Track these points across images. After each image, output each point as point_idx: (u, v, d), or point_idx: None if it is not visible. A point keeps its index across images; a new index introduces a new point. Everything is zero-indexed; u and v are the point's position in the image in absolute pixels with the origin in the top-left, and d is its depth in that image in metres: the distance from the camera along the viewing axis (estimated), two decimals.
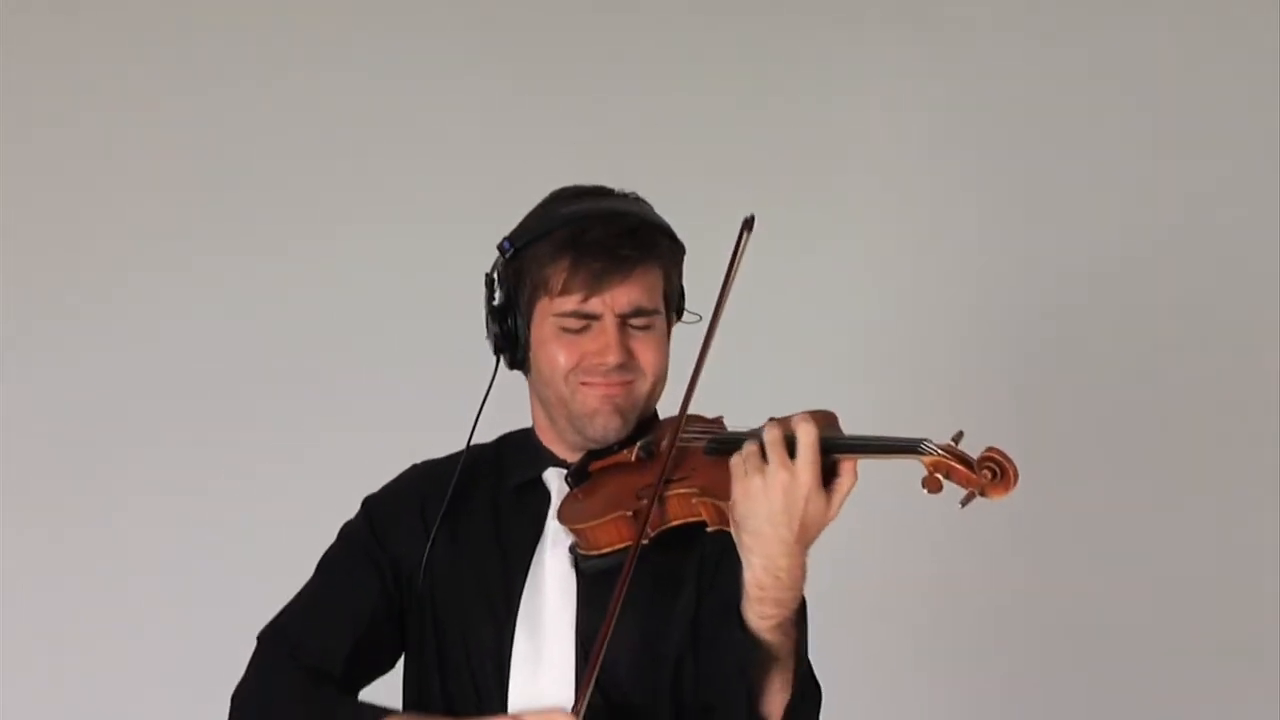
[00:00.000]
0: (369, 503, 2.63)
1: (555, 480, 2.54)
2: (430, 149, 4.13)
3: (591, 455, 2.52)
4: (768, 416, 2.32)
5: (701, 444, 2.41)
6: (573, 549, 2.46)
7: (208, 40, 4.11)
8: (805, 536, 2.24)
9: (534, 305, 2.49)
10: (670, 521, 2.38)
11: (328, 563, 2.60)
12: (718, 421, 2.50)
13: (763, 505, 2.23)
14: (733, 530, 2.28)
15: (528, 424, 2.62)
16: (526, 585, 2.49)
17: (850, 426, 2.36)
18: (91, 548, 4.05)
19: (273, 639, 2.54)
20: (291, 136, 4.12)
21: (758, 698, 2.30)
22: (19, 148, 4.08)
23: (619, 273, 2.43)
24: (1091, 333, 4.15)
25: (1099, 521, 4.11)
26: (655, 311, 2.48)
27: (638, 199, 2.54)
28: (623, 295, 2.44)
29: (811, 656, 2.38)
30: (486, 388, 2.56)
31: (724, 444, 2.35)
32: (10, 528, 4.05)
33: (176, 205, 4.10)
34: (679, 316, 2.58)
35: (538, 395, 2.56)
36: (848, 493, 2.25)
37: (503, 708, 2.43)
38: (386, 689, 2.56)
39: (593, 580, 2.44)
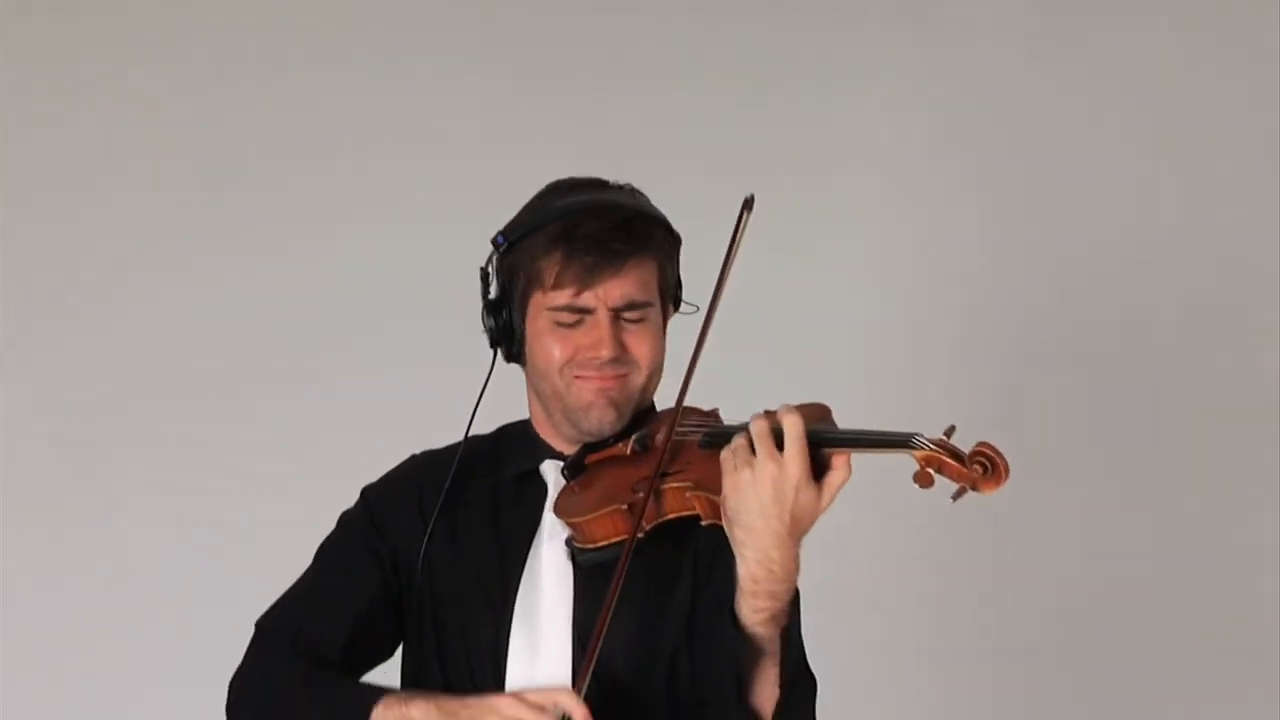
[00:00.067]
0: (368, 492, 2.64)
1: (552, 472, 2.55)
2: (430, 149, 4.13)
3: (588, 448, 2.52)
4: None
5: (697, 437, 2.41)
6: (569, 542, 2.46)
7: (208, 40, 4.11)
8: (797, 529, 2.24)
9: (528, 299, 2.50)
10: (665, 515, 2.38)
11: (326, 551, 2.61)
12: (713, 414, 2.50)
13: (753, 498, 2.24)
14: (725, 524, 2.28)
15: (526, 416, 2.62)
16: (523, 578, 2.50)
17: (847, 424, 2.36)
18: (91, 548, 4.05)
19: (271, 627, 2.54)
20: (291, 136, 4.12)
21: (751, 690, 2.31)
22: (19, 148, 4.08)
23: (611, 266, 2.43)
24: (1091, 332, 4.14)
25: (1099, 521, 4.11)
26: (649, 304, 2.48)
27: (633, 191, 2.54)
28: (615, 289, 2.44)
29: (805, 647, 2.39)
30: (484, 380, 2.56)
31: (718, 437, 2.35)
32: (10, 528, 4.05)
33: (176, 205, 4.10)
34: (676, 308, 2.58)
35: (534, 388, 2.56)
36: (841, 486, 2.26)
37: None
38: (384, 678, 2.55)
39: (589, 573, 2.44)
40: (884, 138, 4.19)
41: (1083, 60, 4.18)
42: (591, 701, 2.25)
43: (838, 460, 2.26)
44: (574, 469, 2.52)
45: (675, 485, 2.37)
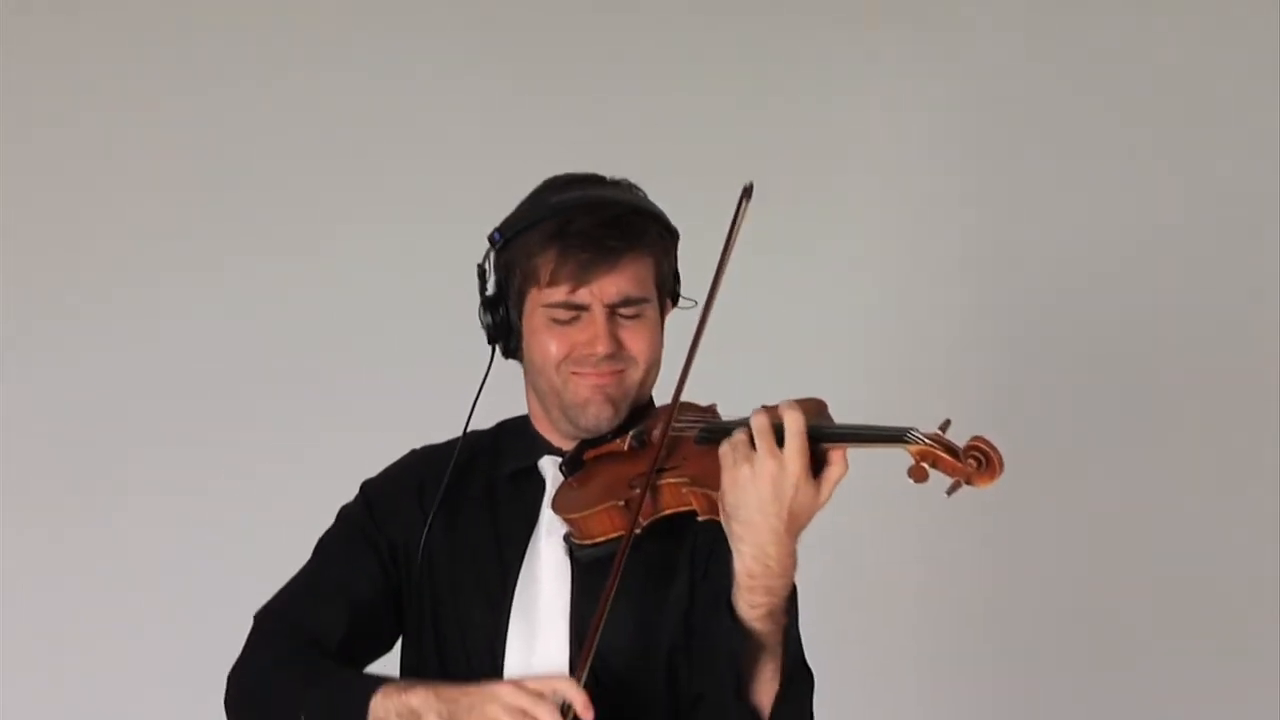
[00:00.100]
0: (367, 486, 2.63)
1: (550, 468, 2.55)
2: (430, 149, 4.13)
3: (585, 444, 2.52)
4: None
5: (693, 433, 2.40)
6: (567, 538, 2.46)
7: (208, 40, 4.12)
8: (795, 525, 2.24)
9: (524, 296, 2.50)
10: (662, 511, 2.37)
11: (326, 544, 2.60)
12: (711, 410, 2.49)
13: (751, 494, 2.23)
14: (722, 519, 2.28)
15: (525, 412, 2.62)
16: (521, 573, 2.49)
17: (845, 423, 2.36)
18: (91, 548, 4.05)
19: (269, 619, 2.54)
20: (291, 136, 4.12)
21: (748, 686, 2.30)
22: (19, 148, 4.08)
23: (605, 263, 2.43)
24: (1091, 332, 4.15)
25: (1099, 521, 4.11)
26: (644, 300, 2.48)
27: (630, 186, 2.54)
28: (610, 285, 2.44)
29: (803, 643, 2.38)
30: (483, 376, 2.56)
31: (715, 433, 2.34)
32: (10, 528, 4.05)
33: (176, 205, 4.11)
34: (674, 302, 2.57)
35: (532, 384, 2.56)
36: (838, 481, 2.25)
37: None
38: (383, 672, 2.54)
39: (587, 569, 2.44)
40: (884, 138, 4.19)
41: (1083, 60, 4.18)
42: (590, 692, 2.25)
43: (835, 455, 2.25)
44: (572, 465, 2.52)
45: (672, 481, 2.36)
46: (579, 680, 2.26)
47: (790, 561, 2.26)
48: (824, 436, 2.26)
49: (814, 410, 2.30)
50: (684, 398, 2.41)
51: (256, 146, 4.11)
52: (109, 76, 4.11)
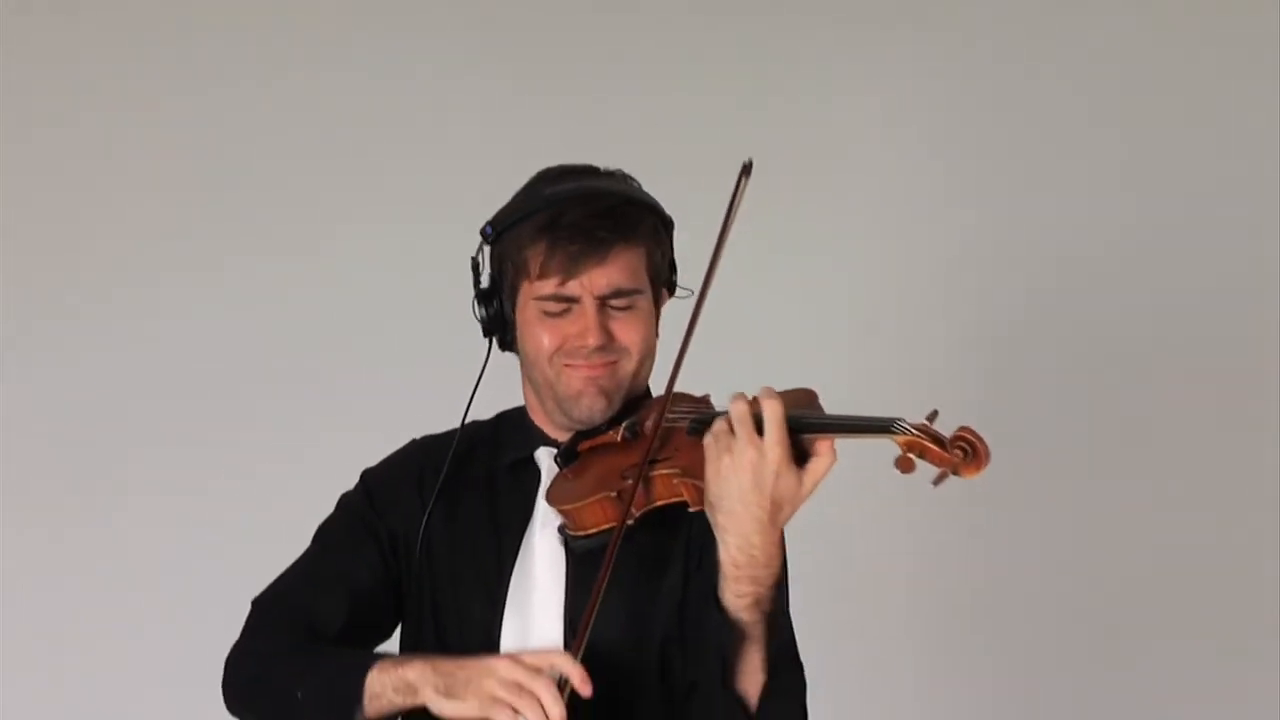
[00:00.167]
0: (367, 475, 2.65)
1: (546, 459, 2.55)
2: (430, 149, 4.13)
3: (580, 435, 2.53)
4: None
5: (685, 424, 2.41)
6: (562, 529, 2.47)
7: (208, 40, 4.12)
8: (778, 515, 2.23)
9: (517, 289, 2.50)
10: (655, 502, 2.38)
11: (325, 532, 2.61)
12: (704, 400, 2.49)
13: (733, 483, 2.23)
14: (707, 510, 2.28)
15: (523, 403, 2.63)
16: (517, 564, 2.51)
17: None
18: (91, 548, 4.06)
19: (268, 604, 2.55)
20: (291, 136, 4.12)
21: (735, 675, 2.30)
22: (19, 148, 4.09)
23: (595, 255, 2.43)
24: (1091, 332, 4.14)
25: (1098, 521, 4.11)
26: (637, 291, 2.48)
27: (624, 177, 2.55)
28: (600, 277, 2.44)
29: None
30: (480, 369, 2.57)
31: (705, 423, 2.33)
32: (10, 528, 4.05)
33: (176, 205, 4.11)
34: (671, 292, 2.57)
35: (527, 376, 2.57)
36: (824, 472, 2.24)
37: None
38: None
39: (581, 560, 2.45)
40: (884, 138, 4.19)
41: (1082, 60, 4.18)
42: (586, 666, 2.25)
43: (821, 446, 2.24)
44: (566, 456, 2.52)
45: (664, 472, 2.36)
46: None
47: (775, 551, 2.26)
48: (807, 426, 2.25)
49: (804, 400, 2.31)
50: (679, 388, 2.41)
51: (256, 146, 4.12)
52: (109, 76, 4.11)
